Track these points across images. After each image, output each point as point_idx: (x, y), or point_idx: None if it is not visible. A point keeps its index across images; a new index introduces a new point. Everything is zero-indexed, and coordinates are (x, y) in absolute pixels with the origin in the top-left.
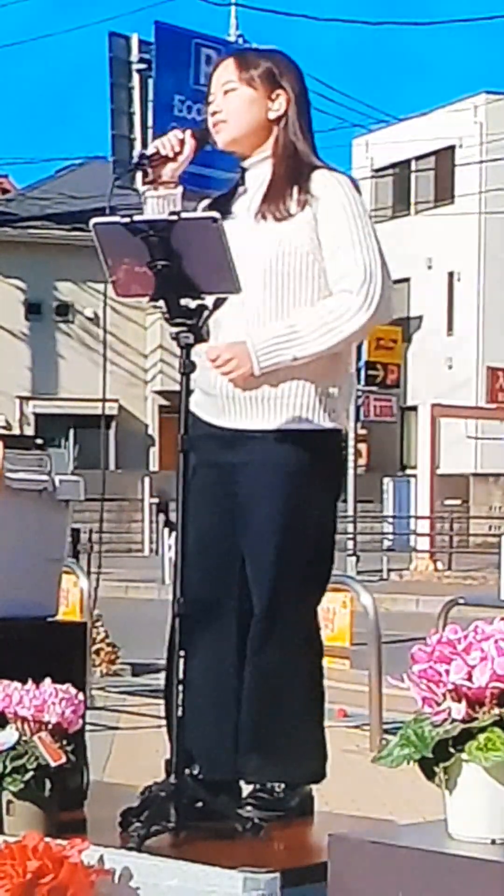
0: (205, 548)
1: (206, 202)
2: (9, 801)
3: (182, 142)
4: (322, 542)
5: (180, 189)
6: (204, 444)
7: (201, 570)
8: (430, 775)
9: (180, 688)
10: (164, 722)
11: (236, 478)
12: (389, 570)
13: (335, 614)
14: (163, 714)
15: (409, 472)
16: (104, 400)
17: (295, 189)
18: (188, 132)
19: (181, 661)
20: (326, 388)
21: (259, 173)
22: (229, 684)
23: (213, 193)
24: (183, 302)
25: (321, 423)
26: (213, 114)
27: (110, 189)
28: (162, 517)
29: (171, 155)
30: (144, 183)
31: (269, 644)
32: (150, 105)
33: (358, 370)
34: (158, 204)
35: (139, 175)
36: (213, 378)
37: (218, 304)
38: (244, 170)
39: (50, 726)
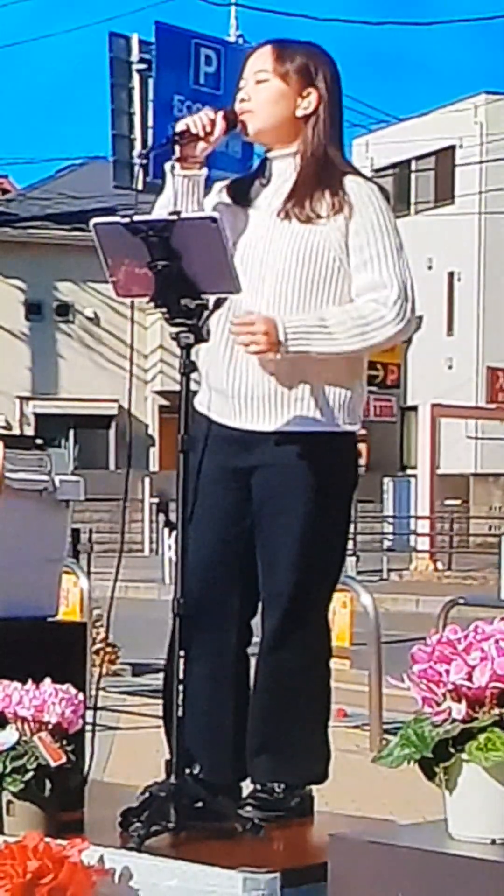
0: (212, 550)
1: (221, 184)
2: (9, 801)
3: (213, 122)
4: (338, 544)
5: (205, 171)
6: (217, 445)
7: (205, 572)
8: (430, 775)
9: (180, 688)
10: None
11: (252, 480)
12: (389, 570)
13: (335, 614)
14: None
15: (409, 472)
16: (114, 399)
17: (327, 192)
18: (220, 113)
19: (181, 661)
20: (342, 390)
21: (284, 168)
22: (228, 687)
23: (230, 175)
24: (183, 302)
25: (337, 426)
26: (241, 101)
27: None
28: (162, 517)
29: (201, 134)
30: (171, 160)
31: (286, 645)
32: (150, 105)
33: None
34: (184, 184)
35: (140, 174)
36: (229, 379)
37: (218, 304)
38: (267, 160)
39: (50, 726)
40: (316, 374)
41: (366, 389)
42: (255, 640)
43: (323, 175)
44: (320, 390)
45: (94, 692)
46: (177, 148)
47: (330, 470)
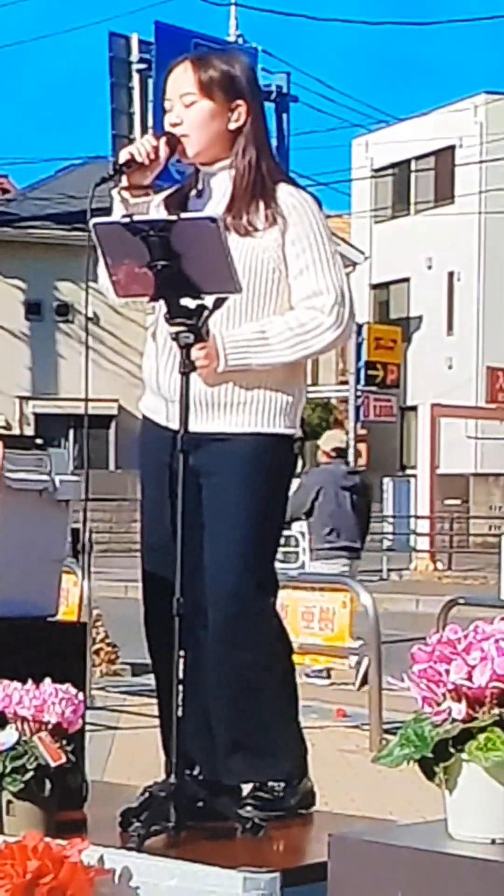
0: (170, 550)
1: (157, 200)
2: (9, 801)
3: (156, 149)
4: (276, 544)
5: (151, 197)
6: (160, 447)
7: (171, 573)
8: (430, 775)
9: (180, 687)
10: None
11: (194, 481)
12: (389, 570)
13: (335, 614)
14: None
15: (409, 472)
16: (114, 399)
17: (261, 204)
18: (162, 139)
19: (181, 661)
20: (283, 394)
21: (219, 180)
22: (204, 683)
23: (165, 186)
24: (183, 302)
25: (278, 429)
26: (174, 125)
27: (91, 194)
28: None
29: (146, 162)
30: (119, 189)
31: (234, 645)
32: (150, 105)
33: (358, 370)
34: (134, 209)
35: (123, 182)
36: (168, 382)
37: (218, 304)
38: (198, 171)
39: (50, 726)
40: (255, 378)
41: (304, 392)
42: None
43: (257, 186)
44: (259, 394)
45: (92, 692)
46: (124, 178)
47: (270, 471)
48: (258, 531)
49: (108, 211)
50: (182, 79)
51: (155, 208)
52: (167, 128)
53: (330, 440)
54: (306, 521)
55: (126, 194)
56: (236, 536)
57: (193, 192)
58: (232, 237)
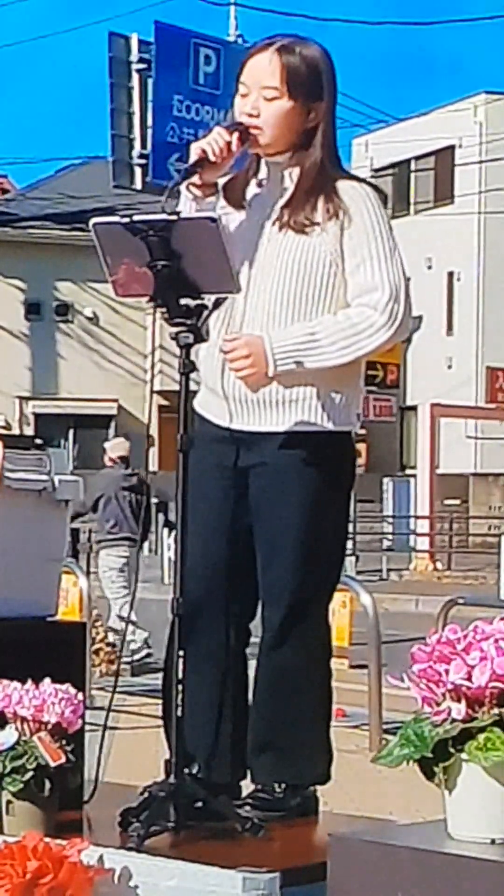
0: (208, 549)
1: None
2: (8, 801)
3: (229, 144)
4: (336, 543)
5: (216, 198)
6: (214, 446)
7: (203, 571)
8: (430, 775)
9: (180, 687)
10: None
11: (248, 480)
12: (389, 570)
13: (335, 614)
14: (162, 714)
15: (408, 472)
16: (114, 399)
17: (321, 199)
18: (235, 135)
19: (181, 660)
20: (338, 390)
21: (281, 173)
22: (227, 687)
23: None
24: (183, 302)
25: (333, 425)
26: (249, 115)
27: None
28: (162, 517)
29: (219, 161)
30: (188, 185)
31: (287, 644)
32: (150, 105)
33: None
34: (202, 207)
35: (138, 175)
36: (223, 379)
37: (217, 303)
38: (260, 158)
39: (49, 726)
40: (309, 376)
41: (363, 390)
42: (255, 640)
43: (319, 183)
44: (315, 392)
45: (92, 692)
46: (195, 176)
47: (326, 469)
48: (314, 531)
49: (108, 211)
50: (266, 69)
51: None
52: (239, 115)
53: (116, 448)
54: (93, 515)
55: (197, 191)
56: (292, 535)
57: (255, 182)
58: (287, 234)
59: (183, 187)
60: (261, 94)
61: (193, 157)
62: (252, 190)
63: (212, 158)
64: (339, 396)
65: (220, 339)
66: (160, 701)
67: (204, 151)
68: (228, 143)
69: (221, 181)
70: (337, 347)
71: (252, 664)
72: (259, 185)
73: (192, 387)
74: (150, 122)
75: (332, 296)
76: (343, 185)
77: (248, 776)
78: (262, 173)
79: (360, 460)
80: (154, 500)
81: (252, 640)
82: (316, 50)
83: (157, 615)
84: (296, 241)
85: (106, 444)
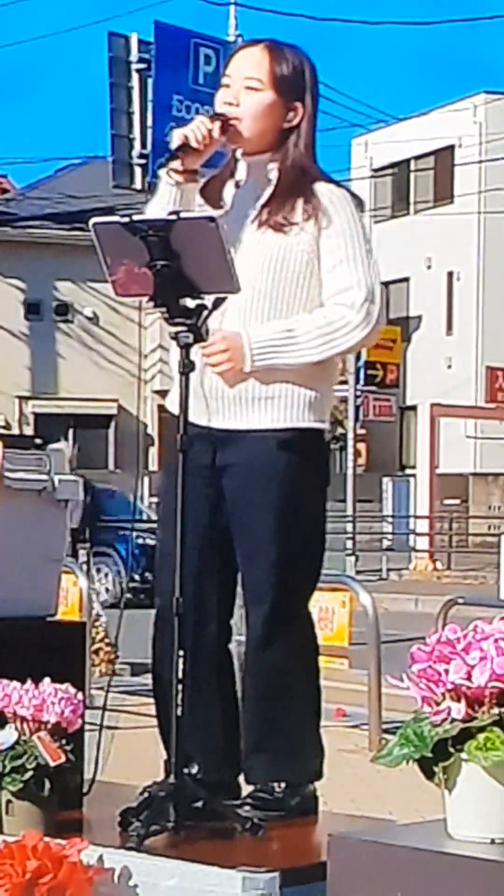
0: (189, 548)
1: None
2: (8, 801)
3: (211, 132)
4: (315, 540)
5: (200, 183)
6: (189, 444)
7: (185, 570)
8: (430, 775)
9: (180, 687)
10: None
11: (224, 478)
12: (389, 570)
13: (334, 614)
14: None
15: (408, 471)
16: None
17: (300, 200)
18: (216, 123)
19: (181, 660)
20: (313, 388)
21: (262, 174)
22: (211, 684)
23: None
24: (182, 302)
25: (308, 423)
26: (229, 104)
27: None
28: None
29: (201, 148)
30: (169, 170)
31: (272, 644)
32: (150, 105)
33: (357, 370)
34: (184, 194)
35: (138, 175)
36: (198, 379)
37: (217, 303)
38: (238, 159)
39: (49, 726)
40: (285, 374)
41: (334, 387)
42: (241, 638)
43: (298, 184)
44: (290, 389)
45: (92, 692)
46: (176, 161)
47: (300, 467)
48: (292, 528)
49: (108, 211)
50: (252, 62)
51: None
52: (220, 105)
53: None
54: None
55: (179, 177)
56: (267, 535)
57: (232, 183)
58: (266, 232)
59: (163, 172)
60: (243, 85)
61: (176, 143)
62: (230, 190)
63: (193, 144)
64: (313, 394)
65: None
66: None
67: (186, 138)
68: (210, 131)
69: (201, 182)
70: (313, 345)
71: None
72: (237, 185)
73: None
74: (149, 121)
75: (308, 294)
76: (321, 188)
77: (244, 778)
78: (241, 174)
79: (360, 460)
80: (154, 501)
81: (237, 637)
82: (302, 55)
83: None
84: (274, 240)
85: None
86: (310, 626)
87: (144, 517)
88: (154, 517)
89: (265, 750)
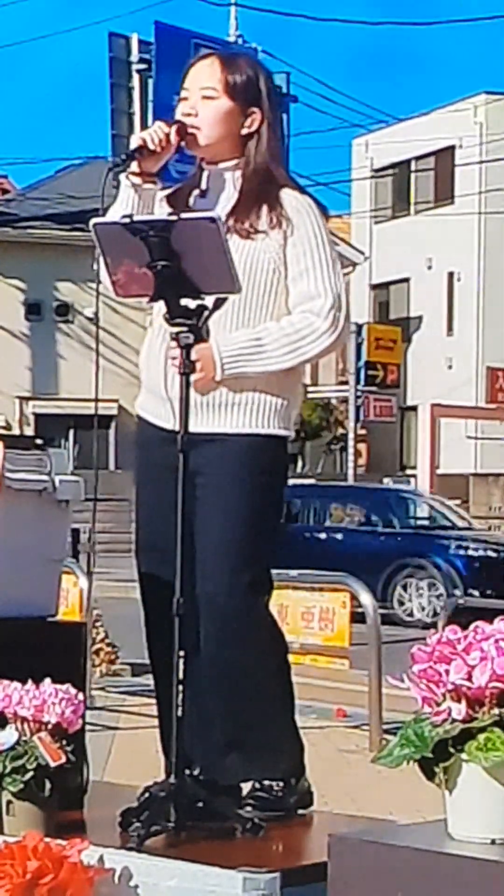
0: (160, 551)
1: (161, 194)
2: (8, 802)
3: (168, 136)
4: (270, 544)
5: (159, 185)
6: (156, 449)
7: (163, 573)
8: (430, 775)
9: (180, 687)
10: None
11: (189, 480)
12: None
13: (335, 614)
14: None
15: (408, 472)
16: (114, 399)
17: (265, 207)
18: (174, 128)
19: (181, 661)
20: (278, 395)
21: (223, 181)
22: (202, 683)
23: (167, 185)
24: (183, 302)
25: (273, 430)
26: (187, 114)
27: (102, 187)
28: None
29: (158, 150)
30: (128, 174)
31: (227, 644)
32: (150, 105)
33: (358, 370)
34: (141, 196)
35: (133, 167)
36: (165, 381)
37: (218, 304)
38: (202, 169)
39: (50, 726)
40: (252, 381)
41: (301, 394)
42: None
43: (263, 191)
44: (256, 396)
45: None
46: (134, 163)
47: (262, 472)
48: (249, 530)
49: (108, 211)
50: (206, 72)
51: (158, 203)
52: (179, 116)
53: None
54: None
55: (136, 179)
56: (227, 536)
57: (197, 192)
58: (233, 239)
59: (123, 177)
60: (200, 95)
61: (133, 146)
62: (196, 201)
63: (151, 147)
64: (279, 401)
65: (162, 344)
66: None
67: (144, 140)
68: (167, 135)
69: (162, 193)
70: (282, 353)
71: None
72: (203, 195)
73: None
74: (150, 122)
75: (275, 303)
76: (285, 196)
77: (218, 779)
78: (206, 184)
79: (361, 460)
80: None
81: None
82: (256, 63)
83: None
84: (241, 248)
85: None
86: (271, 626)
87: (463, 525)
88: (477, 526)
89: (237, 749)
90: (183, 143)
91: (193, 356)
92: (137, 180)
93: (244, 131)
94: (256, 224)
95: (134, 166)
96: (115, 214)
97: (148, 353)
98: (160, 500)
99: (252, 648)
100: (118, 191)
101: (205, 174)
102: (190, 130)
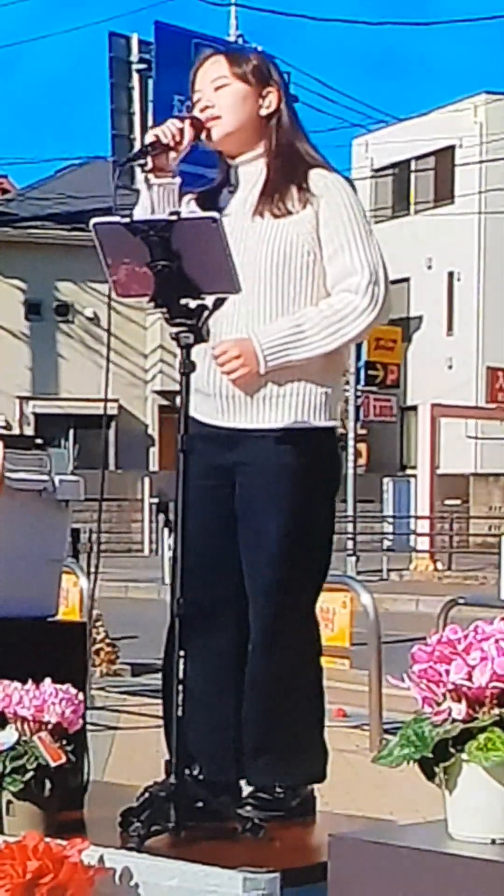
0: (204, 549)
1: (189, 197)
2: (9, 801)
3: (181, 131)
4: (322, 541)
5: (178, 180)
6: (201, 444)
7: (201, 572)
8: (430, 775)
9: (180, 688)
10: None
11: (236, 478)
12: (389, 570)
13: (335, 614)
14: (162, 714)
15: (409, 472)
16: (114, 399)
17: (294, 187)
18: (187, 121)
19: (181, 660)
20: (323, 386)
21: (252, 171)
22: (227, 686)
23: (195, 190)
24: (183, 302)
25: (320, 422)
26: (204, 109)
27: (114, 186)
28: (162, 517)
29: (171, 144)
30: (144, 171)
31: (275, 645)
32: (150, 105)
33: (358, 370)
34: (160, 193)
35: (139, 175)
36: (210, 378)
37: (218, 304)
38: (231, 167)
39: (50, 726)
40: (295, 372)
41: (342, 384)
42: None
43: (290, 170)
44: (299, 388)
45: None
46: (149, 159)
47: (310, 465)
48: (302, 527)
49: (108, 211)
50: (213, 68)
51: (185, 205)
52: (197, 114)
53: None
54: None
55: (150, 176)
56: (279, 536)
57: (227, 188)
58: (266, 220)
59: (139, 174)
60: (211, 88)
61: (147, 141)
62: (226, 197)
63: (164, 140)
64: (323, 392)
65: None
66: (160, 701)
67: (157, 136)
68: (181, 130)
69: (191, 195)
70: (323, 335)
71: None
72: (232, 191)
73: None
74: (150, 122)
75: (314, 286)
76: (314, 174)
77: (246, 779)
78: (234, 178)
79: (361, 460)
80: (154, 500)
81: None
82: (259, 53)
83: (157, 615)
84: (273, 231)
85: None
86: (314, 628)
87: None
88: None
89: (268, 751)
90: (204, 139)
91: (235, 352)
92: (151, 176)
93: (263, 111)
94: (287, 205)
95: (149, 163)
96: (137, 215)
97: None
98: (208, 499)
99: (295, 653)
100: (123, 190)
101: (232, 170)
102: (209, 124)
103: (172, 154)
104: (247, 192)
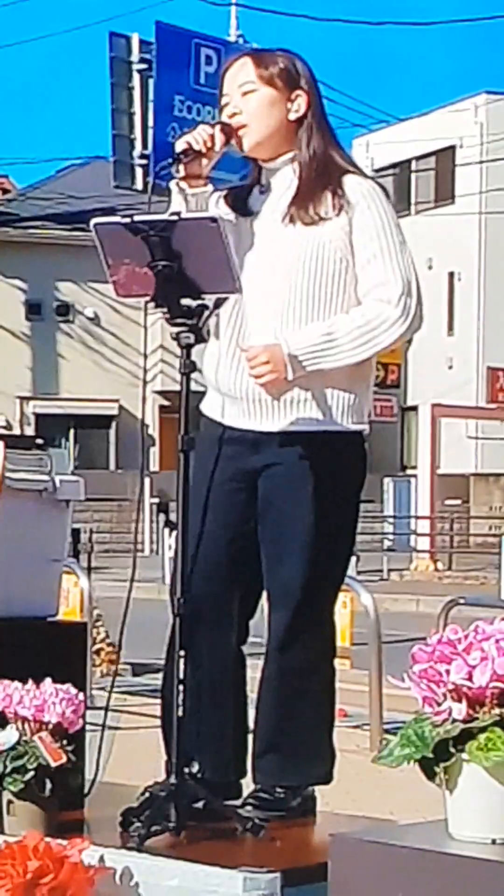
0: (218, 549)
1: (218, 195)
2: (9, 801)
3: (212, 137)
4: (343, 543)
5: (210, 188)
6: (224, 448)
7: (210, 571)
8: (431, 775)
9: (180, 687)
10: None
11: (258, 480)
12: (390, 570)
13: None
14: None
15: (409, 472)
16: (114, 399)
17: (328, 193)
18: (217, 127)
19: (181, 660)
20: (350, 389)
21: (283, 175)
22: (227, 686)
23: (223, 188)
24: (183, 302)
25: (347, 425)
26: (232, 115)
27: (149, 190)
28: (162, 517)
29: (203, 150)
30: (176, 178)
31: (294, 644)
32: (151, 105)
33: None
34: (192, 202)
35: (139, 176)
36: (238, 382)
37: (218, 304)
38: (262, 168)
39: (50, 726)
40: (322, 376)
41: (371, 387)
42: (257, 640)
43: (324, 176)
44: (326, 391)
45: (92, 692)
46: (181, 167)
47: (336, 469)
48: (327, 531)
49: (109, 211)
50: (241, 73)
51: (214, 205)
52: (224, 119)
53: None
54: None
55: (184, 184)
56: (304, 538)
57: (257, 189)
58: (297, 227)
59: (172, 184)
60: (239, 93)
61: (179, 149)
62: (257, 197)
63: (195, 147)
64: (351, 395)
65: (231, 341)
66: (160, 701)
67: (189, 143)
68: (212, 136)
69: (219, 193)
70: (354, 345)
71: (253, 663)
72: (262, 192)
73: (193, 386)
74: (151, 122)
75: (345, 293)
76: (349, 181)
77: (252, 778)
78: (265, 180)
79: None
80: (154, 500)
81: (251, 639)
82: (288, 52)
83: (158, 615)
84: (305, 237)
85: None
86: (331, 629)
87: None
88: None
89: (277, 752)
90: (234, 145)
91: (264, 357)
92: (185, 185)
93: (292, 116)
94: (319, 211)
95: (181, 171)
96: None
97: (215, 352)
98: (225, 498)
99: (312, 653)
100: (121, 192)
101: (263, 172)
102: (239, 131)
103: (204, 161)
104: (278, 197)
